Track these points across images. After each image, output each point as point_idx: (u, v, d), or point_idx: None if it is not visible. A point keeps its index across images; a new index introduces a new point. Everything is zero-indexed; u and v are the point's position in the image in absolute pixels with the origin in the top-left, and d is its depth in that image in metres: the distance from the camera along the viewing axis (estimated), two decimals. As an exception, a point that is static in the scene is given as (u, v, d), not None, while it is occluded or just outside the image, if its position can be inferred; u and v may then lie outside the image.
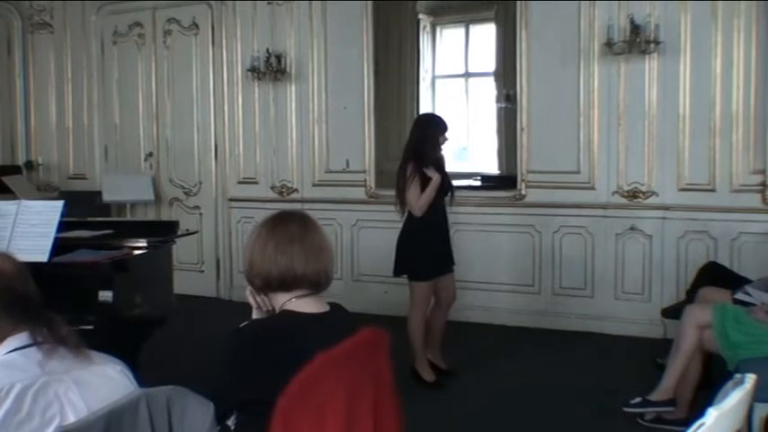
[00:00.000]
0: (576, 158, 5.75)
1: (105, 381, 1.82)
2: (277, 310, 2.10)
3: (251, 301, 2.16)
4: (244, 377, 1.93)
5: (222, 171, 7.15)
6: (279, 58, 6.64)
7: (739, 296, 4.07)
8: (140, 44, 7.40)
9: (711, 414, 1.58)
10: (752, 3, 5.18)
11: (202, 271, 7.25)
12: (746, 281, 4.42)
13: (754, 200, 5.27)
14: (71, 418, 1.69)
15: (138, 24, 7.40)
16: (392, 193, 6.72)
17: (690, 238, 5.45)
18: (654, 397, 3.83)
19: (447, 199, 4.78)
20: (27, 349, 1.76)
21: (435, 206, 4.64)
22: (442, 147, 4.73)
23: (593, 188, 5.73)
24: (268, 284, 2.07)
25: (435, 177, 4.57)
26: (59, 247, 3.31)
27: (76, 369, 1.78)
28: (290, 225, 2.08)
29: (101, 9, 7.56)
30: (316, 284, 2.08)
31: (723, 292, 4.18)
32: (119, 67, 7.52)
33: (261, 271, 2.05)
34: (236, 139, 7.03)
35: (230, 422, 2.00)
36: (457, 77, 8.98)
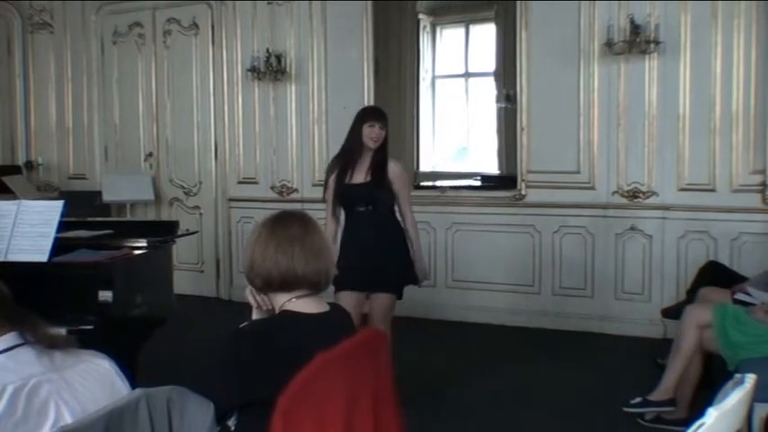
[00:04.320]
0: (576, 158, 5.75)
1: (96, 378, 1.82)
2: (277, 310, 2.10)
3: (251, 300, 2.17)
4: (244, 377, 1.93)
5: (222, 171, 7.15)
6: (279, 58, 6.64)
7: (739, 296, 4.07)
8: (140, 44, 7.40)
9: (711, 414, 1.58)
10: (752, 3, 5.18)
11: (202, 271, 7.25)
12: (746, 280, 4.41)
13: (754, 200, 5.27)
14: (67, 418, 1.69)
15: (138, 24, 7.40)
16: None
17: (690, 238, 5.45)
18: (654, 397, 3.83)
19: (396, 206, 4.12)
20: (16, 350, 1.75)
21: (353, 215, 4.06)
22: (373, 138, 3.98)
23: (593, 188, 5.73)
24: (268, 284, 2.07)
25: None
26: (59, 247, 3.31)
27: (66, 368, 1.78)
28: (290, 225, 2.08)
29: (101, 9, 7.56)
30: (316, 285, 2.08)
31: (723, 292, 4.18)
32: (119, 67, 7.52)
33: (261, 271, 2.05)
34: (236, 139, 7.03)
35: (230, 422, 2.00)
36: (457, 77, 8.98)
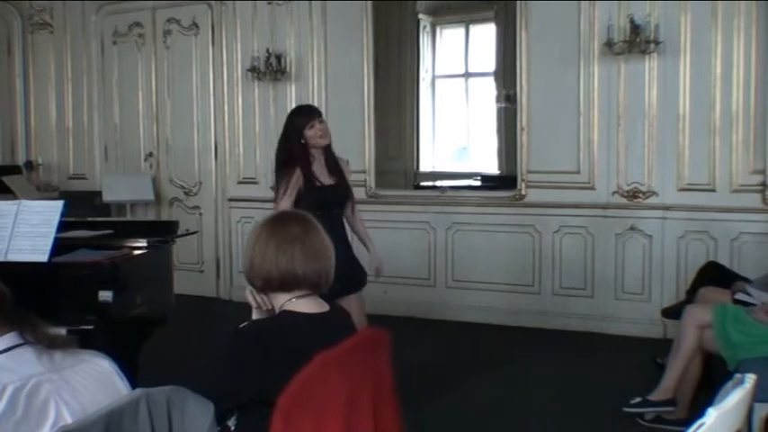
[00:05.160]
0: (576, 158, 5.75)
1: (96, 378, 1.82)
2: (277, 310, 2.10)
3: (251, 300, 2.17)
4: (244, 377, 1.93)
5: (222, 171, 7.15)
6: (279, 58, 6.64)
7: (739, 296, 4.07)
8: (140, 44, 7.40)
9: (711, 414, 1.58)
10: (752, 3, 5.18)
11: (202, 271, 7.25)
12: (746, 281, 4.42)
13: (754, 200, 5.27)
14: (67, 418, 1.69)
15: (138, 24, 7.40)
16: (393, 192, 6.77)
17: (690, 238, 5.45)
18: (654, 397, 3.83)
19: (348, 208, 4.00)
20: (16, 350, 1.75)
21: (327, 217, 3.65)
22: (321, 135, 3.80)
23: (593, 188, 5.73)
24: (268, 285, 2.07)
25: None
26: (59, 247, 3.30)
27: (66, 368, 1.78)
28: (290, 226, 2.08)
29: (101, 9, 7.56)
30: (316, 285, 2.08)
31: (723, 292, 4.18)
32: (119, 67, 7.52)
33: (261, 271, 2.05)
34: (236, 139, 7.03)
35: (230, 422, 2.01)
36: (457, 77, 8.99)
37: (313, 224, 2.14)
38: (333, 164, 3.90)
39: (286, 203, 3.71)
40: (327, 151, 3.89)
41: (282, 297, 2.07)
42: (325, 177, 3.86)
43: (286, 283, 2.05)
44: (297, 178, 3.75)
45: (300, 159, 3.77)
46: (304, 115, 3.87)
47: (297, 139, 3.79)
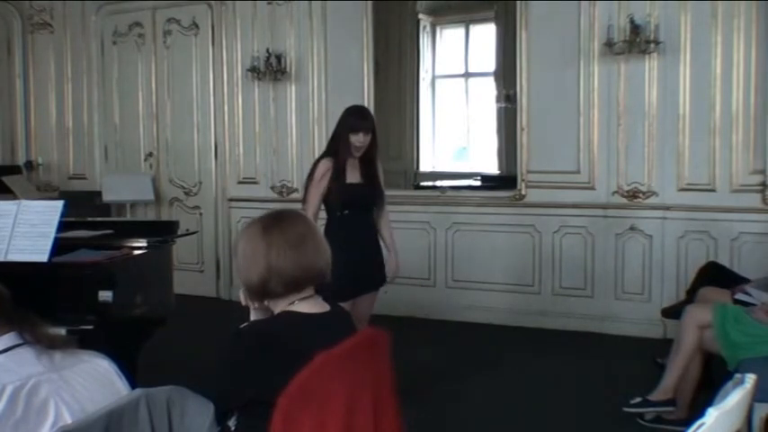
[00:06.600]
0: (576, 158, 5.75)
1: (96, 378, 1.82)
2: (276, 311, 2.09)
3: (243, 301, 2.15)
4: (244, 378, 1.93)
5: (222, 171, 7.15)
6: (279, 58, 6.64)
7: (739, 296, 4.07)
8: (140, 44, 7.40)
9: (711, 414, 1.58)
10: (752, 3, 5.19)
11: (202, 271, 7.25)
12: (746, 281, 4.42)
13: (754, 200, 5.27)
14: (67, 418, 1.69)
15: (138, 24, 7.40)
16: (392, 192, 6.74)
17: (690, 238, 5.45)
18: (654, 397, 3.83)
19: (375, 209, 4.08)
20: (15, 350, 1.75)
21: (354, 216, 3.97)
22: (358, 147, 3.91)
23: (592, 188, 5.73)
24: (288, 288, 2.03)
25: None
26: (59, 247, 3.30)
27: (66, 368, 1.78)
28: (297, 225, 2.08)
29: (101, 9, 7.56)
30: (324, 277, 2.09)
31: (723, 292, 4.18)
32: (119, 67, 7.52)
33: (283, 275, 2.01)
34: (236, 139, 7.03)
35: (231, 423, 2.01)
36: (457, 77, 8.99)
37: (308, 219, 2.18)
38: (369, 169, 3.99)
39: (314, 196, 3.90)
40: (366, 152, 3.97)
41: (287, 299, 2.06)
42: (354, 177, 3.96)
43: (305, 281, 2.04)
44: (324, 171, 3.90)
45: (335, 154, 3.92)
46: (357, 119, 3.95)
47: (342, 138, 3.92)
